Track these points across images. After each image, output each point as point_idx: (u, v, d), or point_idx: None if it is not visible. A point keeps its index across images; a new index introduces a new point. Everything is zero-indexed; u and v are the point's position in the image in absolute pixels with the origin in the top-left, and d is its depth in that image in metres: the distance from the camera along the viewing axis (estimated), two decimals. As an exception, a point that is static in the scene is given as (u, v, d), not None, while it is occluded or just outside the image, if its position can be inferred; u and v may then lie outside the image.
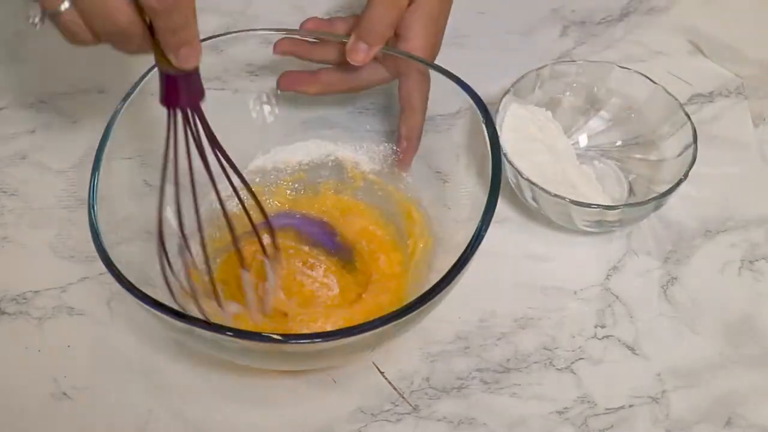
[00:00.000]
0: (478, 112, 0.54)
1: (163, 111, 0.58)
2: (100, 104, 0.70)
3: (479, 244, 0.48)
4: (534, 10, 0.80)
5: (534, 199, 0.61)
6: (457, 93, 0.56)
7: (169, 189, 0.49)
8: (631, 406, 0.55)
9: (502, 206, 0.64)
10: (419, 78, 0.59)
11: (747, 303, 0.60)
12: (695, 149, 0.60)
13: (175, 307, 0.47)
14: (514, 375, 0.56)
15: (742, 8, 0.81)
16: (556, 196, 0.58)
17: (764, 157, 0.68)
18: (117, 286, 0.59)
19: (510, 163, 0.60)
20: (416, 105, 0.60)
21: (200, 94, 0.48)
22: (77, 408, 0.54)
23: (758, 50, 0.76)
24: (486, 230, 0.49)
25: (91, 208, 0.49)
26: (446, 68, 0.57)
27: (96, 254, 0.60)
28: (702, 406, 0.55)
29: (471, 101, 0.55)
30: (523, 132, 0.64)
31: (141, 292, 0.46)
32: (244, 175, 0.53)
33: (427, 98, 0.60)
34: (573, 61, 0.70)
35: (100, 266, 0.60)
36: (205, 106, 0.62)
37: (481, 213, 0.49)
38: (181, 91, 0.47)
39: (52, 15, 0.42)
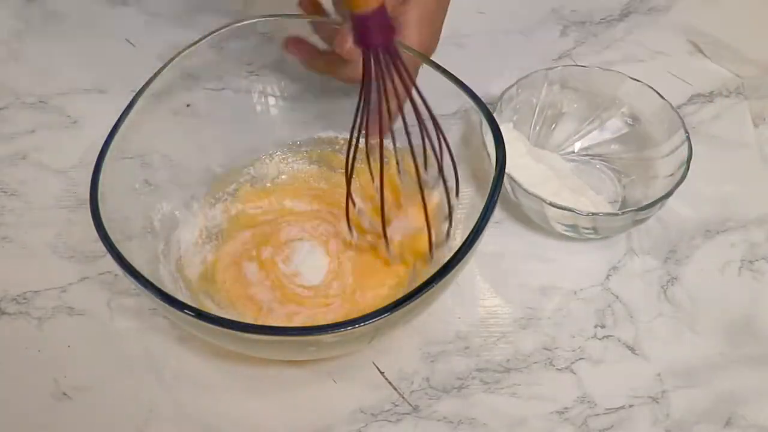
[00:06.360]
0: (479, 112, 0.54)
1: (164, 110, 0.59)
2: (100, 104, 0.70)
3: (476, 240, 0.48)
4: (534, 10, 0.80)
5: (515, 196, 0.60)
6: (456, 93, 0.55)
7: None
8: (631, 406, 0.55)
9: (502, 206, 0.64)
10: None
11: (747, 303, 0.60)
12: (686, 169, 0.59)
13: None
14: (514, 375, 0.56)
15: (742, 8, 0.81)
16: (533, 194, 0.57)
17: (764, 157, 0.68)
18: (117, 286, 0.60)
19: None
20: None
21: (393, 30, 0.50)
22: (77, 408, 0.54)
23: (758, 50, 0.76)
24: (485, 224, 0.48)
25: (94, 201, 0.49)
26: (446, 68, 0.57)
27: (96, 254, 0.61)
28: (702, 406, 0.55)
29: (471, 101, 0.54)
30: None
31: (146, 279, 0.46)
32: None
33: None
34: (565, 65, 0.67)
35: (100, 266, 0.60)
36: (206, 106, 0.62)
37: (480, 211, 0.49)
38: (374, 30, 0.49)
39: None
